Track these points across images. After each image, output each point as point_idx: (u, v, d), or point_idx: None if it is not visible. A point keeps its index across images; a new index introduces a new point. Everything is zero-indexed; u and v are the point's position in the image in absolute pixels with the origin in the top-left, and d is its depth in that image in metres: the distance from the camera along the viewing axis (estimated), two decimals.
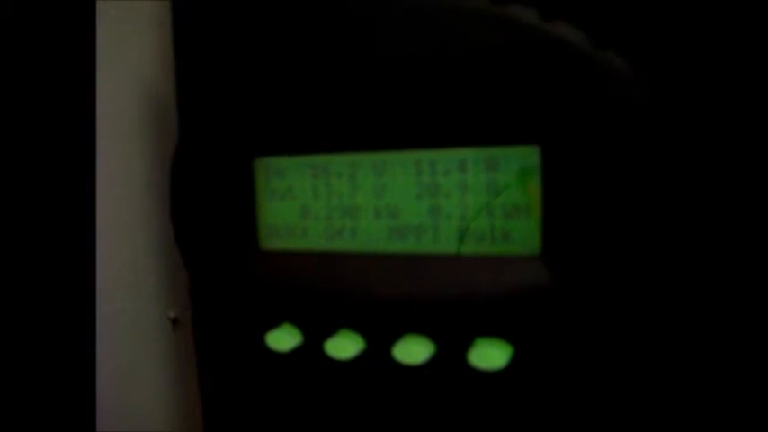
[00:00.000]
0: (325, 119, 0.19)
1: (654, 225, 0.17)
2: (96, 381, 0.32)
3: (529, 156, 0.18)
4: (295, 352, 0.20)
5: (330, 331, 0.20)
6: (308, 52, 0.19)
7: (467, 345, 0.18)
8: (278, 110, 0.20)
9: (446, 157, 0.19)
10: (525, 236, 0.18)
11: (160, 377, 0.32)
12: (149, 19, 0.29)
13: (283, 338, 0.20)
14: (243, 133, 0.21)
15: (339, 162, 0.20)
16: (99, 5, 0.28)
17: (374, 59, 0.18)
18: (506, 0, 0.17)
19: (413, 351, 0.19)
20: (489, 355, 0.18)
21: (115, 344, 0.32)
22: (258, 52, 0.20)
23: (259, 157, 0.21)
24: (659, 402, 0.18)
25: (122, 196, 0.31)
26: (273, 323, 0.21)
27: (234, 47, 0.21)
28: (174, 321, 0.31)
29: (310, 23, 0.19)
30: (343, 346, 0.19)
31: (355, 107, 0.19)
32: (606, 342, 0.18)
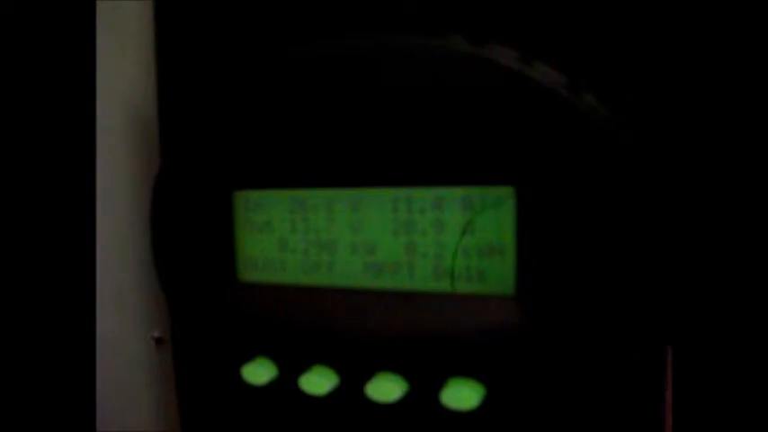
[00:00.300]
0: (303, 154, 0.19)
1: (630, 267, 0.16)
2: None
3: (504, 197, 0.18)
4: (270, 386, 0.20)
5: (305, 366, 0.20)
6: (289, 90, 0.19)
7: (439, 384, 0.18)
8: (258, 144, 0.20)
9: (422, 196, 0.19)
10: (500, 275, 0.18)
11: (144, 397, 0.32)
12: (134, 37, 0.29)
13: (259, 372, 0.20)
14: (223, 166, 0.21)
15: (317, 197, 0.20)
16: None
17: (354, 98, 0.18)
18: (487, 41, 0.17)
19: (386, 389, 0.19)
20: (462, 395, 0.18)
21: (100, 362, 0.32)
22: (240, 87, 0.20)
23: (238, 190, 0.21)
24: None
25: (106, 215, 0.31)
26: (250, 356, 0.21)
27: (215, 80, 0.21)
28: (158, 341, 0.31)
29: (292, 62, 0.19)
30: (318, 382, 0.19)
31: (334, 143, 0.19)
32: (579, 384, 0.18)
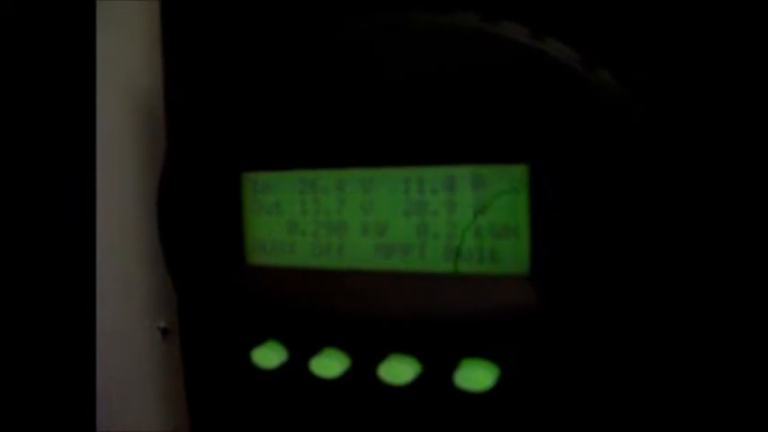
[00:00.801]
0: (313, 134, 0.19)
1: (644, 247, 0.16)
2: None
3: (517, 175, 0.18)
4: (281, 369, 0.20)
5: (315, 349, 0.20)
6: (298, 69, 0.19)
7: (453, 365, 0.18)
8: (266, 124, 0.20)
9: (434, 175, 0.18)
10: (514, 256, 0.18)
11: (150, 387, 0.32)
12: (140, 28, 0.28)
13: (269, 356, 0.20)
14: (230, 148, 0.21)
15: (327, 178, 0.20)
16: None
17: (364, 76, 0.18)
18: (498, 17, 0.17)
19: (398, 371, 0.18)
20: (475, 376, 0.18)
21: (106, 354, 0.32)
22: (247, 68, 0.20)
23: (247, 172, 0.21)
24: (646, 423, 0.18)
25: (113, 207, 0.31)
26: (259, 340, 0.21)
27: (223, 62, 0.21)
28: (165, 331, 0.31)
29: (300, 41, 0.19)
30: (329, 364, 0.19)
31: (344, 123, 0.19)
32: (593, 364, 0.18)
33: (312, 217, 0.20)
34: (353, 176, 0.19)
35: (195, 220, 0.21)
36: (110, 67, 0.29)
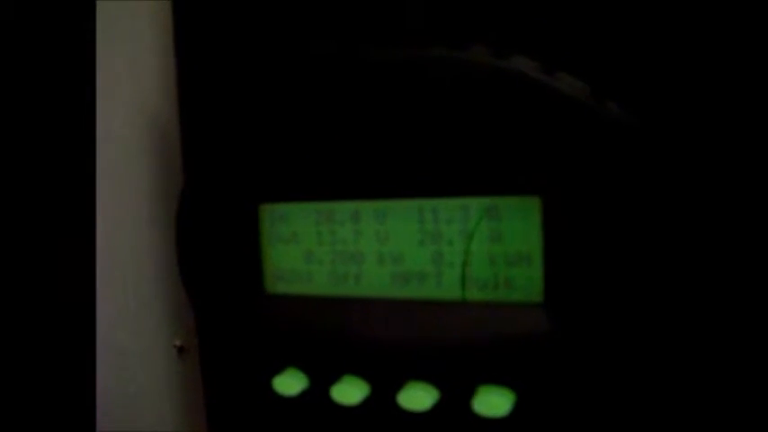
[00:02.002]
0: (329, 167, 0.20)
1: (655, 275, 0.17)
2: (104, 408, 0.32)
3: (530, 206, 0.18)
4: (301, 396, 0.21)
5: (335, 377, 0.20)
6: (314, 103, 0.19)
7: (470, 392, 0.18)
8: (283, 157, 0.20)
9: (448, 206, 0.19)
10: (528, 284, 0.18)
11: (167, 405, 0.32)
12: (154, 49, 0.29)
13: (289, 383, 0.21)
14: (248, 179, 0.21)
15: (342, 209, 0.20)
16: (103, 35, 0.29)
17: (379, 110, 0.19)
18: (509, 52, 0.18)
19: (417, 398, 0.19)
20: (493, 402, 0.18)
21: (123, 372, 0.33)
22: (264, 102, 0.20)
23: (264, 203, 0.21)
24: None
25: (130, 226, 0.31)
26: (280, 367, 0.21)
27: (239, 94, 0.21)
28: (181, 350, 0.32)
29: (316, 77, 0.19)
30: (349, 391, 0.20)
31: (359, 155, 0.19)
32: (607, 390, 0.18)
33: (329, 247, 0.21)
34: (368, 208, 0.20)
35: (214, 250, 0.22)
36: (124, 90, 0.30)
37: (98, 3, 0.23)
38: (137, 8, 0.29)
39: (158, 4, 0.28)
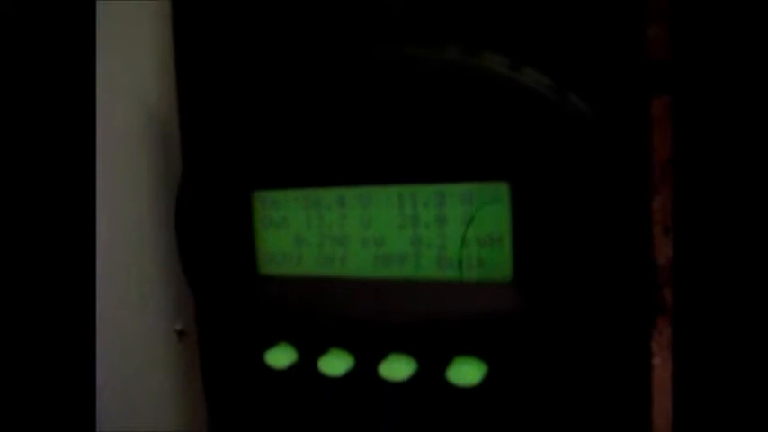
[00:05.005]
0: (317, 156, 0.21)
1: (614, 254, 0.18)
2: (106, 391, 0.34)
3: (500, 191, 0.19)
4: (291, 369, 0.22)
5: (322, 350, 0.22)
6: (302, 97, 0.21)
7: (445, 363, 0.20)
8: (274, 147, 0.22)
9: (426, 192, 0.20)
10: (498, 263, 0.20)
11: (167, 387, 0.33)
12: (152, 43, 0.30)
13: (280, 356, 0.22)
14: (242, 168, 0.22)
15: (329, 195, 0.22)
16: (102, 27, 0.30)
17: (361, 105, 0.20)
18: (479, 50, 0.19)
19: (397, 368, 0.20)
20: (465, 372, 0.20)
21: (123, 356, 0.34)
22: (256, 96, 0.22)
23: (257, 190, 0.23)
24: (620, 417, 0.20)
25: (130, 212, 0.32)
26: (271, 342, 0.23)
27: (234, 91, 0.23)
28: (181, 334, 0.33)
29: (303, 73, 0.21)
30: (335, 363, 0.21)
31: (344, 146, 0.21)
32: (571, 361, 0.20)
33: (317, 230, 0.22)
34: (353, 194, 0.21)
35: (211, 235, 0.23)
36: (122, 81, 0.31)
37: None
38: (137, 4, 0.30)
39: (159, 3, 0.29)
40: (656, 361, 0.19)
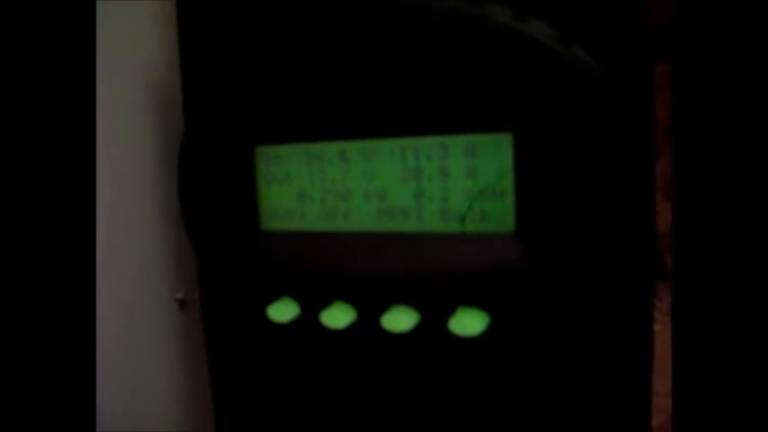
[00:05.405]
0: (318, 110, 0.21)
1: (616, 205, 0.18)
2: (109, 361, 0.34)
3: (503, 142, 0.20)
4: (293, 323, 0.22)
5: (325, 304, 0.22)
6: (303, 51, 0.21)
7: (448, 314, 0.20)
8: (276, 102, 0.22)
9: (429, 144, 0.21)
10: (501, 215, 0.20)
11: (169, 355, 0.34)
12: (155, 15, 0.30)
13: (283, 311, 0.22)
14: (244, 124, 0.22)
15: (331, 149, 0.22)
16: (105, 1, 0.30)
17: (363, 56, 0.20)
18: (483, 1, 0.19)
19: (399, 320, 0.20)
20: (467, 323, 0.20)
21: (126, 325, 0.34)
22: (257, 52, 0.22)
23: (259, 146, 0.23)
24: (618, 370, 0.20)
25: (133, 184, 0.32)
26: (274, 297, 0.23)
27: (235, 47, 0.22)
28: (182, 303, 0.33)
29: (303, 26, 0.21)
30: (337, 316, 0.21)
31: (346, 99, 0.21)
32: (573, 314, 0.20)
33: (319, 185, 0.22)
34: (355, 147, 0.21)
35: (213, 192, 0.23)
36: (128, 49, 0.31)
37: None
38: None
39: None
40: (657, 327, 0.19)
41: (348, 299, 0.21)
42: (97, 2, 0.25)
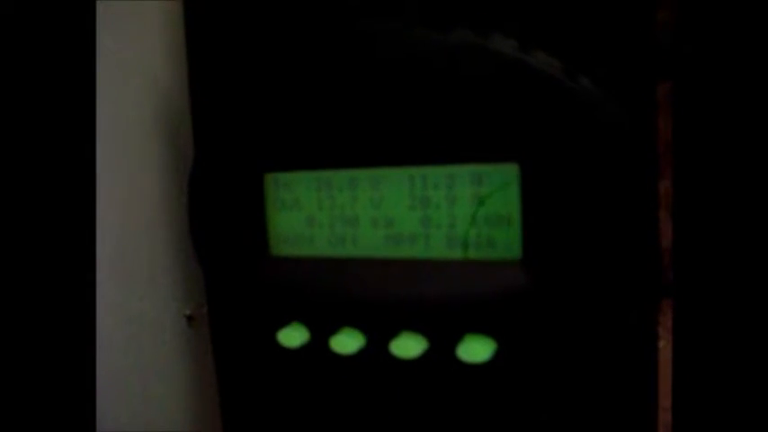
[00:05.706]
0: (328, 138, 0.22)
1: (621, 234, 0.19)
2: (115, 376, 0.34)
3: (510, 172, 0.20)
4: (303, 348, 0.23)
5: (334, 329, 0.22)
6: (313, 81, 0.21)
7: (455, 341, 0.20)
8: (286, 129, 0.22)
9: (436, 173, 0.21)
10: (508, 243, 0.20)
11: (176, 371, 0.34)
12: (163, 26, 0.30)
13: (293, 336, 0.23)
14: (254, 150, 0.23)
15: (340, 177, 0.22)
16: (112, 11, 0.30)
17: (374, 88, 0.20)
18: (489, 32, 0.19)
19: (408, 347, 0.21)
20: (475, 349, 0.20)
21: (133, 340, 0.34)
22: (268, 80, 0.22)
23: (269, 172, 0.23)
24: (626, 394, 0.20)
25: (141, 198, 0.32)
26: (284, 322, 0.23)
27: (245, 75, 0.23)
28: (190, 318, 0.33)
29: (314, 57, 0.21)
30: (347, 342, 0.22)
31: (355, 128, 0.21)
32: (579, 340, 0.20)
33: (328, 212, 0.23)
34: (364, 175, 0.22)
35: (223, 217, 0.24)
36: (132, 65, 0.31)
37: None
38: None
39: None
40: (662, 344, 0.20)
41: (357, 325, 0.22)
42: (103, 28, 0.25)
